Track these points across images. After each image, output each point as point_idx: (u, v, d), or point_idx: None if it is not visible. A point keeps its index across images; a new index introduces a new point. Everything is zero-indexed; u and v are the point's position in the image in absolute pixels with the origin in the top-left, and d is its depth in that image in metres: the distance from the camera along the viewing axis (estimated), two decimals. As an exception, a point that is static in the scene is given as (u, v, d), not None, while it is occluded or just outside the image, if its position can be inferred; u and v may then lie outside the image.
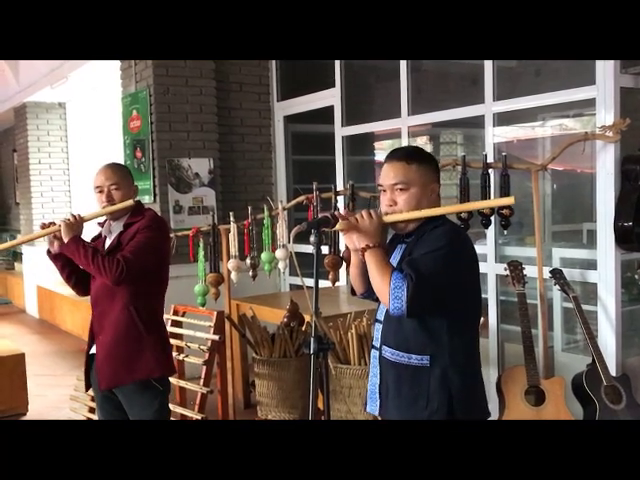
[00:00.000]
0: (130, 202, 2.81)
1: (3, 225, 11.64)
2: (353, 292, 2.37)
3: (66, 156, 9.02)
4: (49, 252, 2.86)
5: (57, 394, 5.32)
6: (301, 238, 5.35)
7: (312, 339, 2.04)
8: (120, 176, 2.87)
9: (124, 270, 2.65)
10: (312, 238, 2.19)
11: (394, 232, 2.23)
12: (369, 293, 2.28)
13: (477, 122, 5.13)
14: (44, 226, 2.83)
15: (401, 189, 2.07)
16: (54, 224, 2.82)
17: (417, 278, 1.92)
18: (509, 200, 2.12)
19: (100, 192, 2.84)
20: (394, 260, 2.13)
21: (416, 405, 2.06)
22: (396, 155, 2.14)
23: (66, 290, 7.94)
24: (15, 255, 10.54)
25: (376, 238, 2.05)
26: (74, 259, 2.75)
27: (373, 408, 2.20)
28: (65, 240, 2.73)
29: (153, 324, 2.84)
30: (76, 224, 2.76)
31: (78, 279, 2.91)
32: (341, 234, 2.19)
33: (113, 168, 2.92)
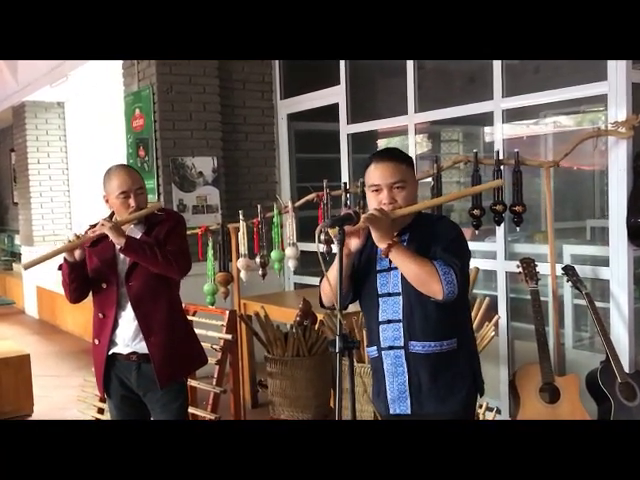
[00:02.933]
0: (159, 204, 2.81)
1: (1, 225, 11.57)
2: (322, 303, 2.36)
3: (65, 156, 8.97)
4: (66, 261, 2.76)
5: (62, 395, 5.29)
6: (307, 236, 5.33)
7: (337, 337, 2.01)
8: (141, 179, 2.84)
9: (188, 263, 2.76)
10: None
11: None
12: (343, 302, 2.22)
13: (477, 119, 5.13)
14: (77, 237, 2.73)
15: (400, 187, 2.15)
16: (78, 237, 2.74)
17: (460, 263, 2.06)
18: (498, 182, 2.22)
19: (126, 197, 2.75)
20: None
21: (455, 387, 2.16)
22: (388, 155, 2.22)
23: (67, 290, 7.91)
24: (14, 255, 10.49)
25: (392, 234, 2.11)
26: (137, 256, 2.69)
27: (403, 409, 2.18)
28: (121, 241, 2.65)
29: (187, 317, 2.97)
30: (118, 225, 2.69)
31: (83, 289, 2.85)
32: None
33: (134, 171, 2.86)
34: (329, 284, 2.14)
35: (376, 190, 2.17)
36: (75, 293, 2.83)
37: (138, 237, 2.79)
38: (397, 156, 2.21)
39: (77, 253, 2.74)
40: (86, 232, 2.79)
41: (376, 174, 2.17)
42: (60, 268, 2.82)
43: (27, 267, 2.73)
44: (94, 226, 2.83)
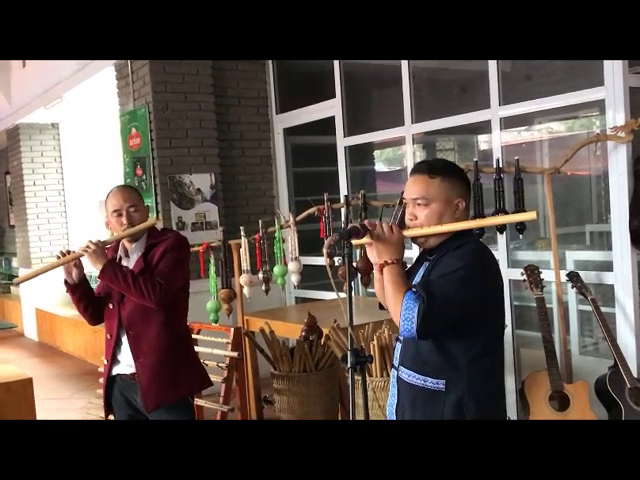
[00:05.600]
0: (153, 221, 2.80)
1: (-2, 248, 11.54)
2: (381, 306, 2.29)
3: (61, 177, 8.94)
4: (66, 283, 2.77)
5: (65, 418, 5.23)
6: (308, 250, 5.30)
7: (349, 352, 1.99)
8: (137, 197, 2.83)
9: (166, 291, 2.67)
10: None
11: (421, 249, 2.21)
12: None
13: (470, 128, 5.14)
14: (62, 255, 2.71)
15: (422, 204, 2.02)
16: (71, 252, 2.72)
17: (429, 300, 1.86)
18: (531, 215, 1.99)
19: (119, 215, 2.75)
20: (418, 278, 2.08)
21: None
22: (420, 168, 2.08)
23: (66, 311, 7.86)
24: (12, 278, 10.43)
25: (396, 254, 2.00)
26: (112, 284, 2.68)
27: None
28: (98, 267, 2.65)
29: (188, 339, 2.92)
30: (100, 250, 2.68)
31: (94, 309, 2.84)
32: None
33: (129, 190, 2.85)
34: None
35: (407, 204, 2.07)
36: (87, 314, 2.83)
37: (136, 254, 2.79)
38: (428, 169, 2.04)
39: (75, 274, 2.74)
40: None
41: (406, 188, 2.07)
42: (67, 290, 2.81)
43: (18, 283, 2.73)
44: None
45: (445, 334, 1.96)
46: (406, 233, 2.03)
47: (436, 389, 1.99)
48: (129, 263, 2.81)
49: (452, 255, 1.97)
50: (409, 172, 2.12)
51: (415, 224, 2.03)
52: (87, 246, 2.67)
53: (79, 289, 2.78)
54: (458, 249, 1.98)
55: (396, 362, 2.13)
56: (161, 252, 2.75)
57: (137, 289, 2.63)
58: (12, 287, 10.37)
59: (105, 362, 2.85)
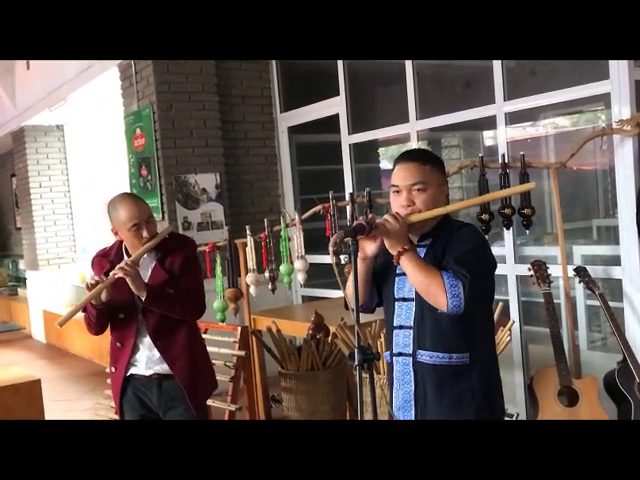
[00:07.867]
0: (170, 229, 2.81)
1: (4, 251, 11.56)
2: (346, 306, 2.28)
3: (66, 178, 8.97)
4: (92, 305, 2.70)
5: (73, 419, 5.24)
6: (314, 248, 5.29)
7: (356, 350, 1.99)
8: (149, 208, 2.79)
9: (203, 303, 2.79)
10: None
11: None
12: (367, 305, 2.26)
13: (475, 124, 5.12)
14: (93, 285, 2.63)
15: (419, 189, 2.08)
16: (98, 281, 2.65)
17: (470, 276, 1.96)
18: (529, 186, 2.15)
19: (138, 229, 2.69)
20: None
21: (461, 404, 2.08)
22: (411, 156, 2.16)
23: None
24: (19, 280, 10.47)
25: (406, 240, 2.05)
26: (157, 309, 2.70)
27: (408, 417, 2.15)
28: (143, 295, 2.62)
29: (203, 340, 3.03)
30: (138, 272, 2.64)
31: (105, 325, 2.82)
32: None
33: (140, 201, 2.78)
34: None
35: (397, 191, 2.12)
36: (102, 330, 2.82)
37: (149, 262, 2.77)
38: (420, 157, 2.14)
39: (103, 295, 2.68)
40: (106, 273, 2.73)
41: (398, 175, 2.12)
42: (84, 310, 2.76)
43: (62, 324, 2.72)
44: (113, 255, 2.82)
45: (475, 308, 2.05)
46: (413, 218, 2.07)
47: (462, 363, 2.07)
48: (145, 271, 2.78)
49: (460, 235, 2.08)
50: (397, 161, 2.15)
51: (413, 209, 2.09)
52: (128, 271, 2.58)
53: (103, 309, 2.72)
54: (462, 229, 2.11)
55: (407, 349, 2.13)
56: (181, 261, 2.75)
57: (181, 309, 2.70)
58: (19, 289, 10.40)
59: (113, 369, 2.84)
